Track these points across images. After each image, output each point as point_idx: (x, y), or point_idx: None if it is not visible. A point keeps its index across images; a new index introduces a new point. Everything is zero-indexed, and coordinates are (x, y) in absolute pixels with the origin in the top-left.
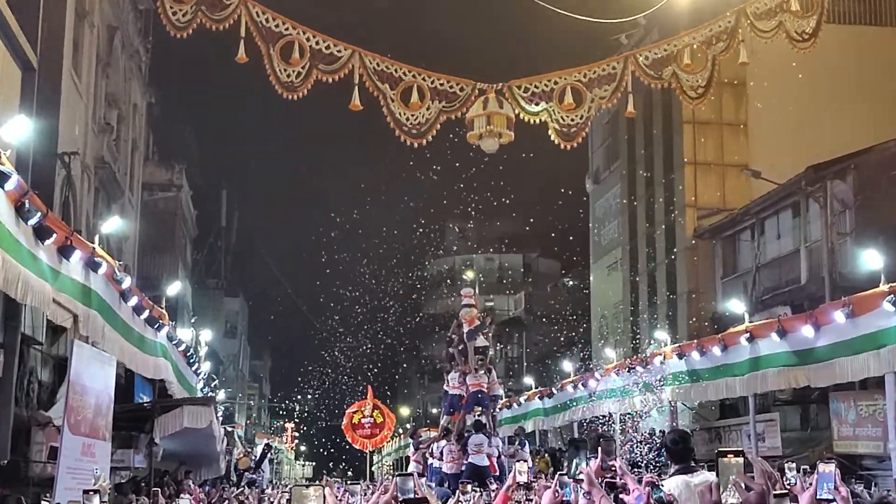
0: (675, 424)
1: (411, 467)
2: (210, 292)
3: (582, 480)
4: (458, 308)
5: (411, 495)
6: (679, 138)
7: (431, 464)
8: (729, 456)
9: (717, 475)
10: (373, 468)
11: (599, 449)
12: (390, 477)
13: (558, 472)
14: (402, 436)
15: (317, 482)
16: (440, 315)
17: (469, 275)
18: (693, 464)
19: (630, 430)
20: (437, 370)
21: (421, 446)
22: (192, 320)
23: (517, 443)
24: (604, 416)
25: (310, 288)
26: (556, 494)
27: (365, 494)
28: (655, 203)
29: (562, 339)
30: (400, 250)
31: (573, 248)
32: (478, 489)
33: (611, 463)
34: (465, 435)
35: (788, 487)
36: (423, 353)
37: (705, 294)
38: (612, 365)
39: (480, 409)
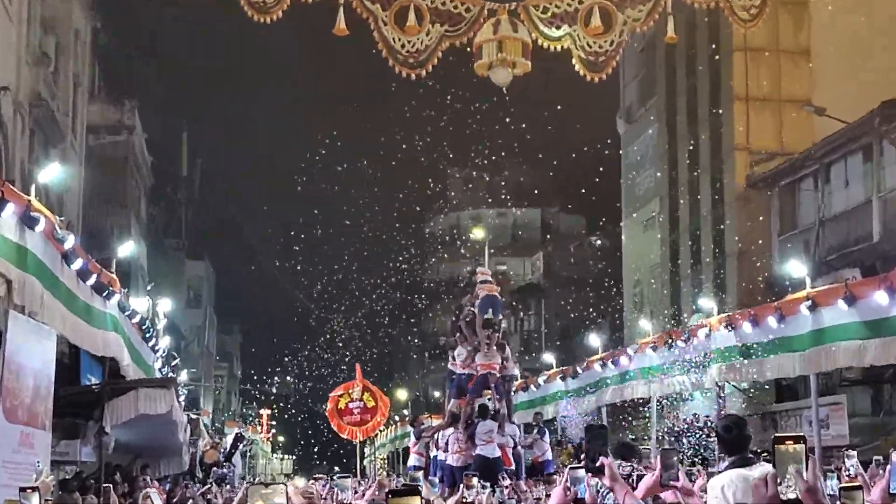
0: (722, 409)
1: (411, 460)
2: (169, 254)
3: (600, 472)
4: (463, 273)
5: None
6: (728, 69)
7: (435, 456)
8: (787, 442)
9: (774, 465)
10: (364, 462)
11: (659, 461)
12: (384, 473)
13: (568, 466)
14: (398, 424)
15: (280, 480)
16: (443, 281)
17: (477, 233)
18: (751, 455)
19: (669, 417)
20: (440, 346)
21: (423, 436)
22: (149, 287)
23: (535, 431)
24: (637, 400)
25: (289, 249)
26: (568, 492)
27: (356, 492)
28: (700, 146)
29: (588, 308)
30: (394, 205)
31: (601, 201)
32: (486, 484)
33: (672, 483)
34: (475, 422)
35: (848, 479)
36: (423, 325)
37: (759, 254)
38: (647, 339)
39: (490, 392)
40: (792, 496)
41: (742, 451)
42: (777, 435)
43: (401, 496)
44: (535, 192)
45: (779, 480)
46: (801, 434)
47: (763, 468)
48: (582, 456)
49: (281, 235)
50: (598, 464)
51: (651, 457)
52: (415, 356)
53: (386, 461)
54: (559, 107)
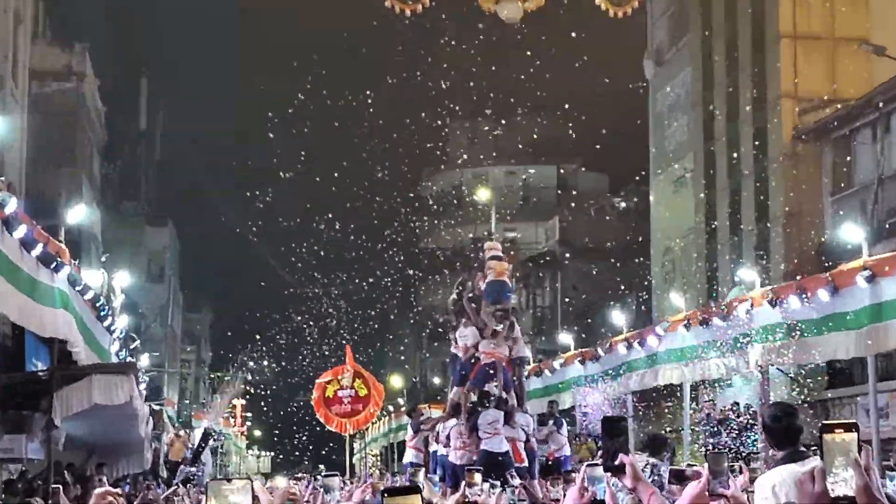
0: (766, 397)
1: (408, 457)
2: (127, 221)
3: (619, 470)
4: (466, 240)
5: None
6: (773, 2)
7: (435, 451)
8: (837, 431)
9: (822, 457)
10: (354, 459)
11: (707, 467)
12: (378, 472)
13: (585, 463)
14: (393, 415)
15: (246, 476)
16: (443, 251)
17: (482, 194)
18: (803, 448)
19: (705, 406)
20: (441, 326)
21: (422, 428)
22: (103, 259)
23: (551, 423)
24: (668, 387)
25: (266, 215)
26: (584, 493)
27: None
28: (740, 93)
29: (611, 281)
30: (388, 163)
31: (626, 157)
32: (496, 483)
33: (721, 490)
34: (477, 411)
35: None
36: (421, 301)
37: (808, 217)
38: (679, 316)
39: (496, 383)
40: (842, 492)
41: (793, 444)
42: (825, 423)
43: (399, 495)
44: (550, 146)
45: (827, 475)
46: (853, 421)
47: (815, 462)
48: (600, 452)
49: (257, 199)
50: (617, 462)
51: (683, 451)
52: (411, 337)
53: (379, 458)
54: (578, 47)
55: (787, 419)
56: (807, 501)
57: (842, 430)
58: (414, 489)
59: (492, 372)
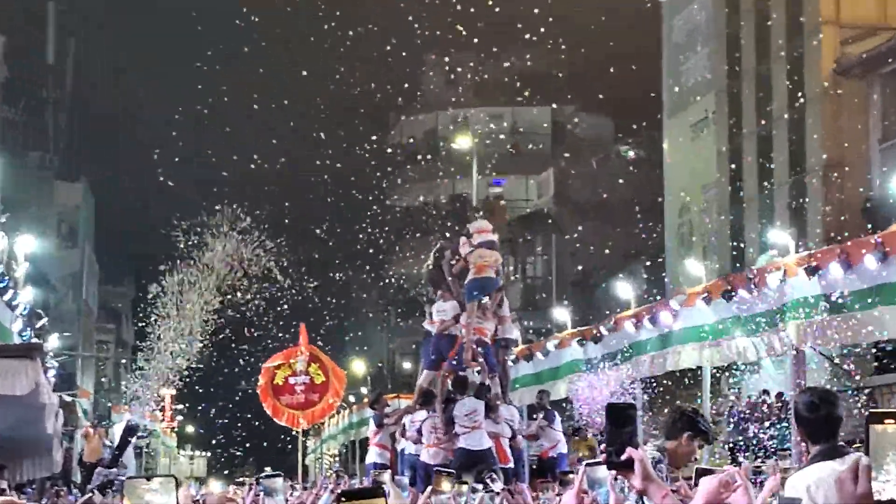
0: (802, 383)
1: (371, 456)
2: (32, 174)
3: (626, 468)
4: (443, 196)
5: None
6: None
7: (403, 449)
8: (887, 421)
9: (868, 451)
10: (307, 459)
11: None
12: (335, 475)
13: (584, 462)
14: (355, 407)
15: (167, 474)
16: (415, 210)
17: (462, 142)
18: (842, 444)
19: (729, 395)
20: (413, 300)
21: (387, 422)
22: (3, 219)
23: (542, 416)
24: (685, 373)
25: (202, 166)
26: (584, 496)
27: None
28: (771, 18)
29: (616, 246)
30: (349, 102)
31: (635, 97)
32: (476, 486)
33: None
34: (456, 400)
35: None
36: (389, 271)
37: (853, 169)
38: (698, 288)
39: (478, 364)
40: (892, 494)
41: (832, 438)
42: (873, 411)
43: (358, 499)
44: (543, 84)
45: (874, 473)
46: None
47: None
48: (602, 447)
49: (190, 147)
50: (624, 457)
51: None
52: (377, 313)
53: (338, 458)
54: None
55: (825, 407)
56: (846, 502)
57: (892, 421)
58: (376, 491)
59: (478, 351)
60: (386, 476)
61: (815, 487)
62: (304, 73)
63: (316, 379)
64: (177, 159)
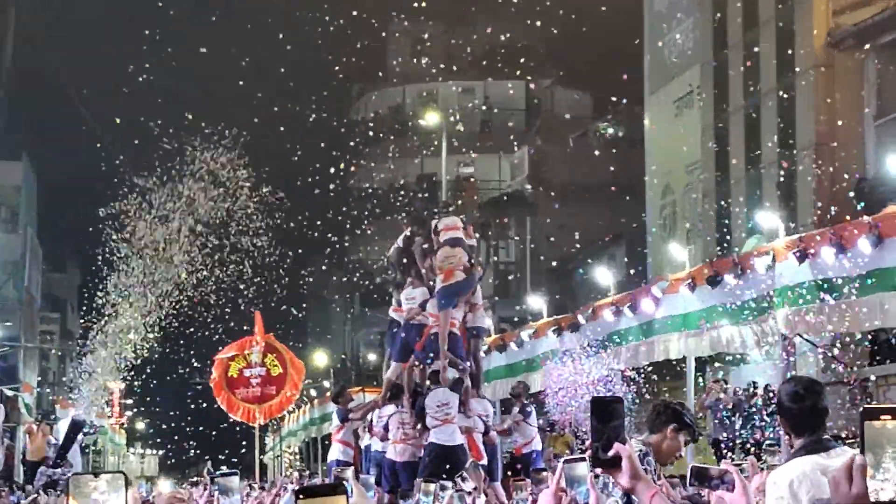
0: (792, 375)
1: (334, 453)
2: None
3: (613, 465)
4: (410, 177)
5: None
6: None
7: (368, 446)
8: (884, 417)
9: (862, 449)
10: (266, 457)
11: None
12: (297, 473)
13: (562, 459)
14: (317, 401)
15: (117, 470)
16: (379, 192)
17: (430, 118)
18: (828, 437)
19: (714, 387)
20: (379, 287)
21: (351, 417)
22: None
23: (517, 410)
24: (667, 364)
25: (151, 138)
26: (563, 496)
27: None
28: None
29: (594, 229)
30: (309, 77)
31: (615, 72)
32: (447, 484)
33: None
34: (426, 393)
35: None
36: (352, 255)
37: (846, 147)
38: (682, 274)
39: (450, 357)
40: (891, 495)
41: (817, 430)
42: (868, 407)
43: (317, 496)
44: (517, 56)
45: (871, 472)
46: None
47: (847, 454)
48: (587, 444)
49: (140, 116)
50: (611, 453)
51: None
52: (340, 302)
53: (299, 456)
54: None
55: (810, 398)
56: (840, 503)
57: (889, 417)
58: (337, 489)
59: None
60: (349, 473)
61: (797, 483)
62: (281, 47)
63: (273, 371)
64: (123, 138)
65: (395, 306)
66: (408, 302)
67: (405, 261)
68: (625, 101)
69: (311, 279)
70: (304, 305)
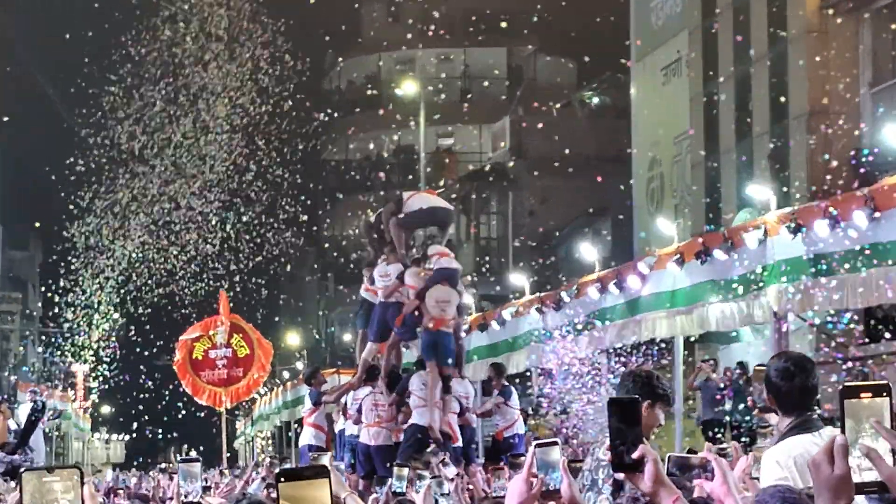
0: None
1: (306, 437)
2: None
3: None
4: (384, 150)
5: None
6: None
7: (342, 431)
8: (863, 395)
9: (843, 428)
10: (237, 442)
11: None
12: (269, 459)
13: (535, 443)
14: (289, 384)
15: (71, 465)
16: (353, 163)
17: (407, 88)
18: (815, 416)
19: (703, 367)
20: (354, 263)
21: (325, 400)
22: None
23: (498, 392)
24: (655, 343)
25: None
26: (533, 481)
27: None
28: None
29: (579, 203)
30: (281, 47)
31: (600, 39)
32: (423, 473)
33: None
34: (402, 375)
35: None
36: (325, 232)
37: (840, 116)
38: (669, 248)
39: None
40: (871, 476)
41: (806, 409)
42: (847, 385)
43: (300, 479)
44: (498, 22)
45: (851, 450)
46: (885, 383)
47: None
48: (605, 445)
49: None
50: (635, 455)
51: (675, 428)
52: (313, 279)
53: (271, 441)
54: None
55: (800, 375)
56: (822, 485)
57: (870, 394)
58: (320, 472)
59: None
60: (325, 459)
61: (785, 463)
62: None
63: (239, 352)
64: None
65: (366, 285)
66: (382, 280)
67: (376, 236)
68: (610, 69)
69: (282, 257)
70: (268, 280)
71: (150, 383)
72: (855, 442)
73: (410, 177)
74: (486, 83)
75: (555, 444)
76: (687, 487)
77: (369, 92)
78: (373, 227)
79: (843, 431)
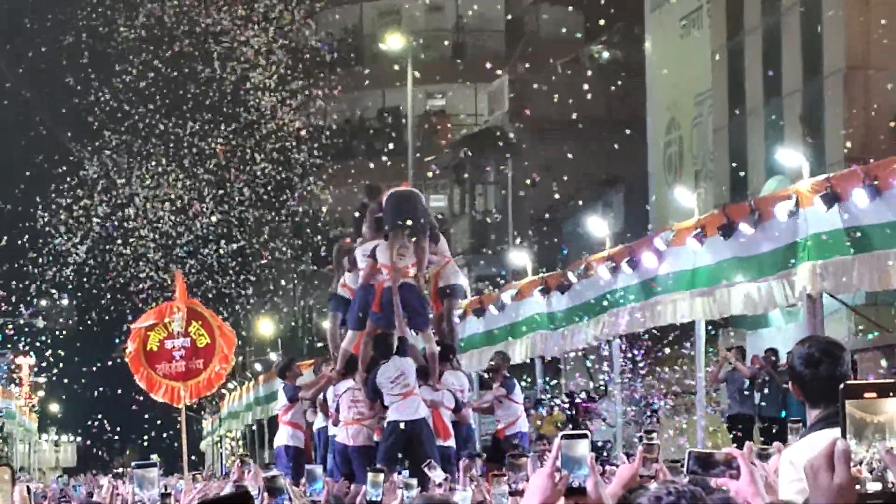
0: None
1: (282, 436)
2: None
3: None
4: (370, 112)
5: None
6: None
7: (320, 429)
8: (868, 394)
9: (844, 431)
10: (204, 443)
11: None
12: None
13: (560, 434)
14: (262, 377)
15: (5, 462)
16: (333, 128)
17: (394, 42)
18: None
19: (728, 356)
20: (335, 242)
21: (301, 395)
22: None
23: (499, 384)
24: (674, 328)
25: (70, 69)
26: (557, 475)
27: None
28: None
29: (587, 171)
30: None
31: None
32: (410, 481)
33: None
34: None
35: None
36: (303, 205)
37: (880, 73)
38: (690, 223)
39: (409, 317)
40: (875, 487)
41: (836, 400)
42: (849, 383)
43: None
44: None
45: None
46: (892, 381)
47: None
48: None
49: (56, 54)
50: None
51: (696, 422)
52: (289, 259)
53: (242, 441)
54: None
55: (827, 362)
56: (820, 495)
57: (874, 394)
58: (242, 498)
59: (408, 299)
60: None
61: (798, 460)
62: None
63: (198, 342)
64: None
65: (340, 284)
66: (360, 259)
67: (357, 217)
68: (622, 21)
69: (257, 233)
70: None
71: (103, 377)
72: (862, 446)
73: (392, 145)
74: (481, 37)
75: (584, 436)
76: (709, 487)
77: (349, 46)
78: (354, 220)
79: (843, 435)
